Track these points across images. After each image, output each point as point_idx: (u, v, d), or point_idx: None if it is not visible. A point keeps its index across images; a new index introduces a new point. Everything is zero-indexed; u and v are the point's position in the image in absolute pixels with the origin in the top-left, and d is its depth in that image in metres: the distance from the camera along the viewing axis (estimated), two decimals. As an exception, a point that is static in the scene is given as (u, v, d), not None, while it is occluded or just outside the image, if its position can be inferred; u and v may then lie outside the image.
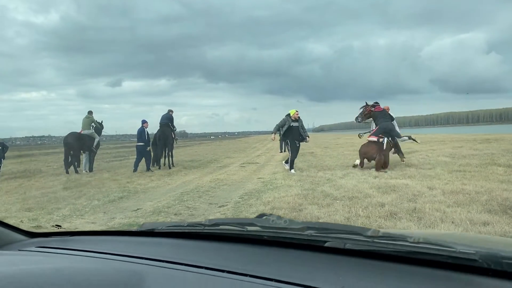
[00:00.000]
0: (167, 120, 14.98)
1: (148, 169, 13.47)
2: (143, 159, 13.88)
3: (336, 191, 7.04)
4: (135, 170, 13.45)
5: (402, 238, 0.82)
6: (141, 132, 13.85)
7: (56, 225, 1.50)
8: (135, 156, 15.82)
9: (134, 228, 1.33)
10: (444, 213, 5.00)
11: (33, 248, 1.21)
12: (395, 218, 4.94)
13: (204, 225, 1.14)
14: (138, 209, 6.88)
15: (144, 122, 14.14)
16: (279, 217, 1.03)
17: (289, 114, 11.17)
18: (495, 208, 5.11)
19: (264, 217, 1.06)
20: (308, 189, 7.58)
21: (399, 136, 11.26)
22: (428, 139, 22.47)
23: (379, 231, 0.88)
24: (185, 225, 1.21)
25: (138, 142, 13.95)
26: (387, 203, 5.77)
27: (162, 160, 14.65)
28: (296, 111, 11.18)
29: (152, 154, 14.36)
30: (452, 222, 4.58)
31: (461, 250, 0.73)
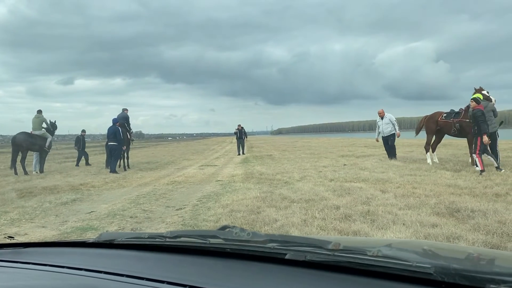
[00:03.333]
0: (123, 120, 14.63)
1: (113, 170, 13.09)
2: (114, 159, 13.62)
3: (294, 194, 7.14)
4: (112, 170, 13.05)
5: (361, 251, 0.86)
6: (115, 131, 13.43)
7: (8, 236, 1.43)
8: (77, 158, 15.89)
9: (91, 239, 1.29)
10: (395, 215, 5.18)
11: None
12: (350, 220, 5.07)
13: (165, 237, 1.13)
14: (92, 211, 6.67)
15: (116, 121, 13.75)
16: (242, 229, 1.03)
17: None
18: (443, 211, 5.36)
19: (227, 229, 1.06)
20: (267, 191, 7.64)
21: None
22: (381, 144, 23.22)
23: (339, 244, 0.90)
24: (146, 236, 1.19)
25: (110, 141, 13.53)
26: (342, 205, 5.91)
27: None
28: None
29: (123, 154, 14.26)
30: (403, 224, 4.75)
31: (417, 264, 0.77)
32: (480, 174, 8.56)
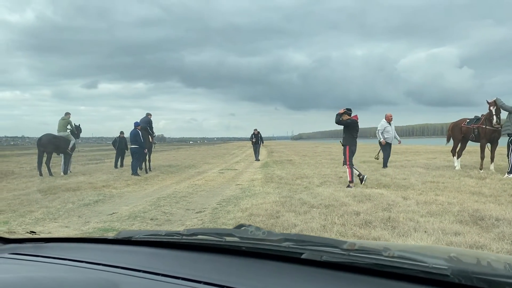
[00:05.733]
0: (146, 124, 14.87)
1: (135, 172, 13.29)
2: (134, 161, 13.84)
3: (313, 199, 7.09)
4: (133, 173, 13.26)
5: (377, 252, 0.85)
6: (136, 134, 13.69)
7: (30, 231, 1.48)
8: (114, 159, 16.24)
9: (110, 236, 1.32)
10: (417, 222, 5.09)
11: (6, 255, 1.19)
12: (370, 226, 5.01)
13: (182, 234, 1.14)
14: (113, 213, 6.78)
15: (137, 124, 14.01)
16: (257, 228, 1.04)
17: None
18: (466, 219, 5.24)
19: (243, 228, 1.07)
20: (286, 196, 7.61)
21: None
22: (404, 150, 22.90)
23: (355, 244, 0.90)
24: (163, 234, 1.21)
25: (132, 144, 13.81)
26: (362, 211, 5.84)
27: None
28: None
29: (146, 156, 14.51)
30: (425, 231, 4.66)
31: (434, 266, 0.76)
32: (349, 186, 8.56)
